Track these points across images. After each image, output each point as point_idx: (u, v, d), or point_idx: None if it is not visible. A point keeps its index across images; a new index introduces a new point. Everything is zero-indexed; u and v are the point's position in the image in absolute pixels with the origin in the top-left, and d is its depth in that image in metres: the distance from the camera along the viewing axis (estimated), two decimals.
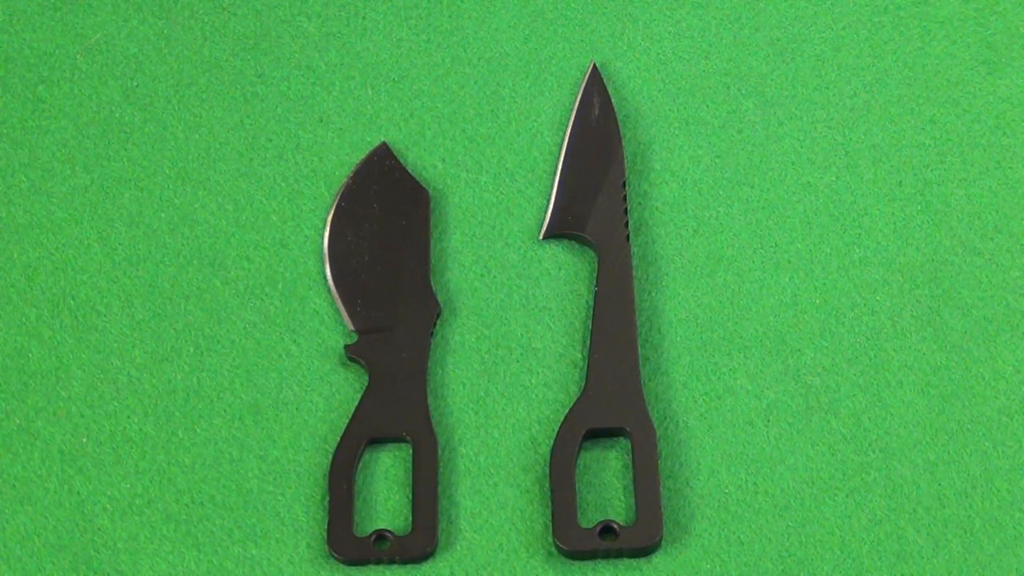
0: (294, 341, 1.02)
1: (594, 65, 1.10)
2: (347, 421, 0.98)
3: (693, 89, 1.09)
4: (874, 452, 0.97)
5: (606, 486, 0.97)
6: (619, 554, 0.94)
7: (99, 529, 0.96)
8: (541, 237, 1.05)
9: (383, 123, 1.09)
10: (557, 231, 1.04)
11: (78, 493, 0.97)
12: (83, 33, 1.12)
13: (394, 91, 1.10)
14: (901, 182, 1.06)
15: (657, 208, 1.05)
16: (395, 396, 0.99)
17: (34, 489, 0.97)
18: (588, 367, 0.99)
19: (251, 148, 1.08)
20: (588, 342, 1.01)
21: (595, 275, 1.03)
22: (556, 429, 0.98)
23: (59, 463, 0.98)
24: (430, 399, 0.99)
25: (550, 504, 0.96)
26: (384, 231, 1.05)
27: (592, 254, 1.04)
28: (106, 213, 1.06)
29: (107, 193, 1.07)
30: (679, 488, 0.97)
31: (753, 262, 1.03)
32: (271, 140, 1.08)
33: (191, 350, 1.01)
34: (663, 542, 0.95)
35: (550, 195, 1.06)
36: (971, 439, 0.97)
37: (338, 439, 0.98)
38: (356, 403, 0.99)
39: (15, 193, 1.07)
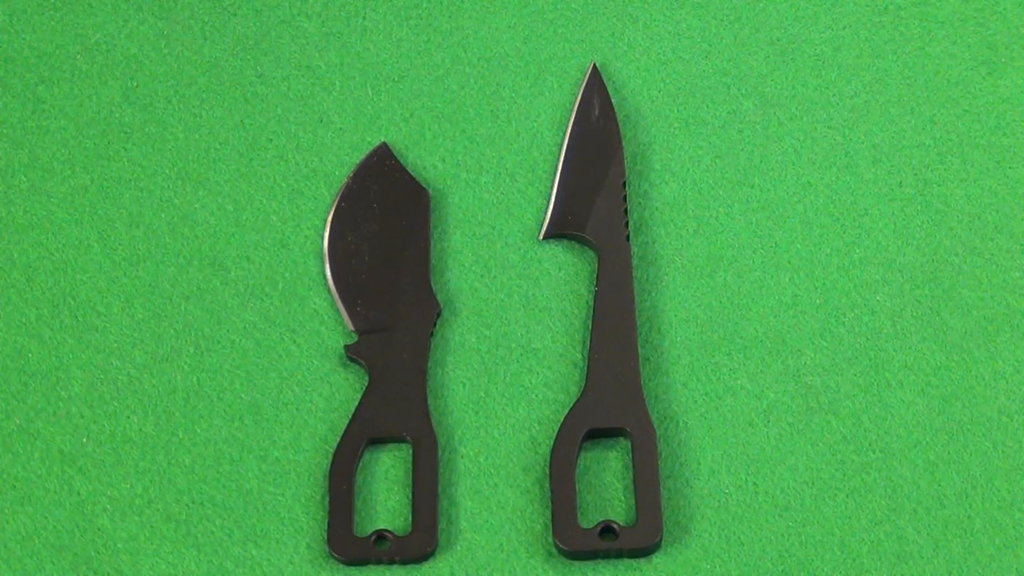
0: (294, 341, 1.02)
1: (594, 65, 1.10)
2: (347, 421, 0.98)
3: (693, 89, 1.09)
4: (874, 452, 0.97)
5: (606, 486, 0.97)
6: (619, 554, 0.94)
7: (99, 529, 0.96)
8: (541, 237, 1.05)
9: (383, 123, 1.09)
10: (557, 231, 1.04)
11: (78, 493, 0.97)
12: (83, 33, 1.12)
13: (394, 91, 1.10)
14: (901, 182, 1.06)
15: (657, 208, 1.05)
16: (395, 396, 0.99)
17: (34, 489, 0.97)
18: (588, 367, 0.99)
19: (251, 148, 1.08)
20: (588, 342, 1.01)
21: (595, 275, 1.03)
22: (556, 429, 0.98)
23: (59, 463, 0.98)
24: (430, 399, 0.99)
25: (550, 504, 0.96)
26: (384, 231, 1.05)
27: (592, 254, 1.04)
28: (106, 213, 1.06)
29: (107, 193, 1.07)
30: (679, 488, 0.97)
31: (753, 262, 1.03)
32: (271, 140, 1.08)
33: (191, 350, 1.01)
34: (663, 542, 0.95)
35: (550, 195, 1.06)
36: (971, 439, 0.97)
37: (338, 439, 0.98)
38: (356, 403, 0.99)
39: (15, 193, 1.07)
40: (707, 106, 1.09)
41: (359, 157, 1.07)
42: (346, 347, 1.00)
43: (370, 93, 1.10)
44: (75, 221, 1.06)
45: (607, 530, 0.95)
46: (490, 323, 1.02)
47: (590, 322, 1.01)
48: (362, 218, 1.05)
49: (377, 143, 1.08)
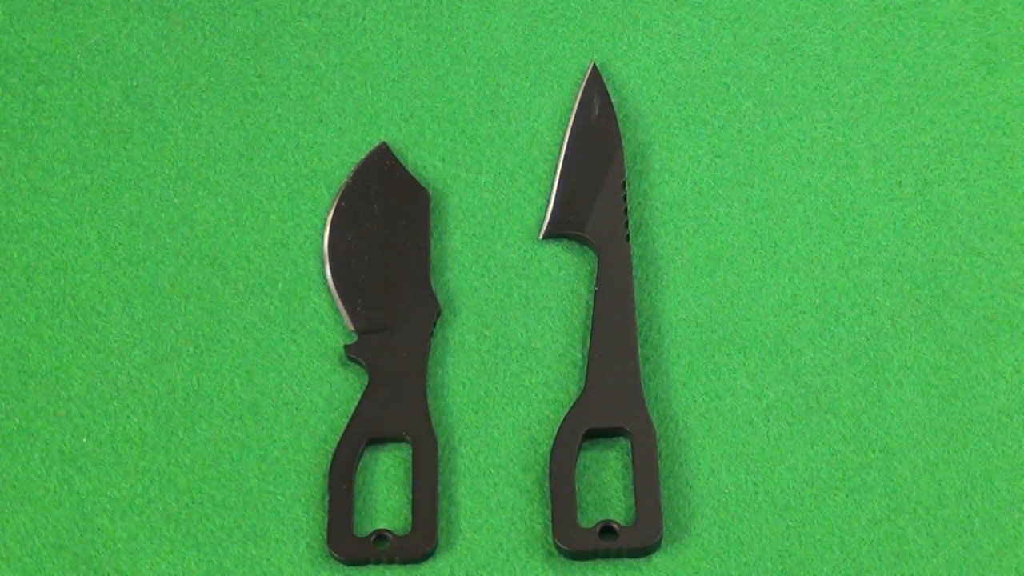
0: (294, 341, 1.02)
1: (594, 65, 1.10)
2: (347, 421, 0.98)
3: (693, 89, 1.09)
4: (874, 452, 0.97)
5: (606, 486, 0.97)
6: (619, 554, 0.94)
7: (99, 529, 0.96)
8: (541, 237, 1.05)
9: (383, 123, 1.09)
10: (557, 231, 1.04)
11: (78, 493, 0.97)
12: (83, 33, 1.12)
13: (394, 91, 1.10)
14: (901, 182, 1.06)
15: (657, 208, 1.05)
16: (395, 396, 0.99)
17: (34, 489, 0.97)
18: (588, 367, 0.99)
19: (251, 148, 1.08)
20: (588, 342, 1.01)
21: (595, 275, 1.03)
22: (556, 429, 0.98)
23: (59, 463, 0.98)
24: (430, 399, 0.99)
25: (550, 504, 0.96)
26: (384, 231, 1.05)
27: (592, 254, 1.04)
28: (106, 213, 1.06)
29: (107, 193, 1.07)
30: (679, 488, 0.97)
31: (753, 262, 1.03)
32: (271, 140, 1.08)
33: (191, 350, 1.01)
34: (663, 542, 0.95)
35: (550, 195, 1.06)
36: (971, 439, 0.97)
37: (338, 439, 0.98)
38: (356, 403, 0.99)
39: (15, 193, 1.07)
40: (707, 106, 1.09)
41: (359, 157, 1.07)
42: (346, 347, 1.00)
43: (370, 93, 1.10)
44: (75, 221, 1.06)
45: (607, 530, 0.95)
46: (490, 323, 1.02)
47: (590, 322, 1.01)
48: (362, 218, 1.05)
49: (377, 143, 1.08)
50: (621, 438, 0.98)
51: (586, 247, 1.04)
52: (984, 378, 0.99)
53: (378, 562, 0.95)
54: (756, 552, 0.95)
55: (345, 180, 1.06)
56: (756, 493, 0.96)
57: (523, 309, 1.02)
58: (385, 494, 0.97)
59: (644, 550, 0.94)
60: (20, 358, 1.01)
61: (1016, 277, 1.02)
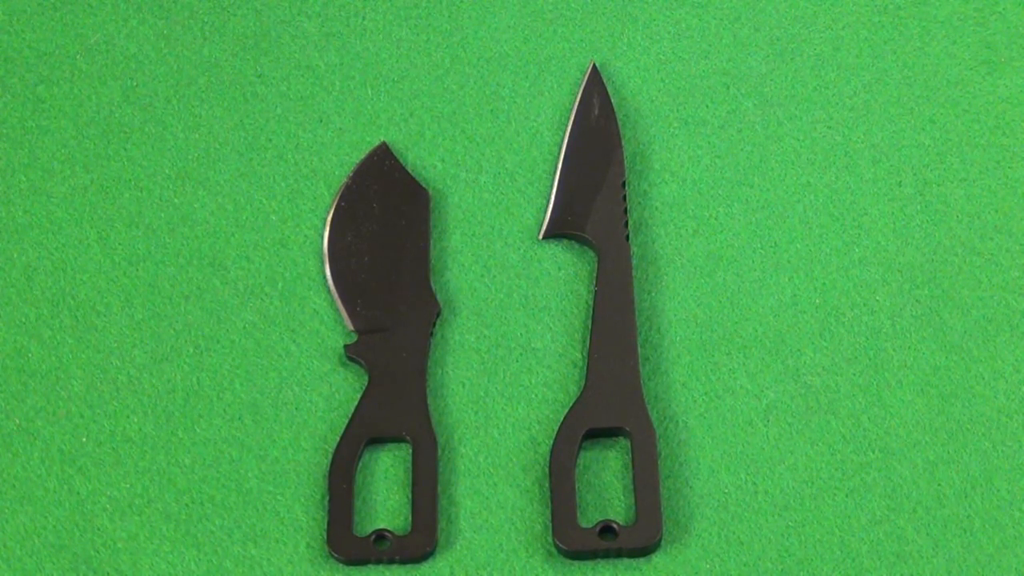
0: (294, 341, 1.02)
1: (594, 65, 1.10)
2: (347, 421, 0.98)
3: (693, 89, 1.09)
4: (874, 452, 0.97)
5: (606, 486, 0.97)
6: (619, 554, 0.94)
7: (99, 529, 0.96)
8: (541, 237, 1.05)
9: (383, 123, 1.09)
10: (557, 231, 1.04)
11: (78, 493, 0.97)
12: (83, 33, 1.12)
13: (394, 91, 1.10)
14: (901, 182, 1.06)
15: (657, 208, 1.05)
16: (395, 396, 0.99)
17: (34, 489, 0.97)
18: (588, 367, 0.99)
19: (251, 148, 1.08)
20: (588, 342, 1.01)
21: (595, 275, 1.03)
22: (556, 429, 0.98)
23: (59, 463, 0.98)
24: (430, 399, 0.99)
25: (550, 504, 0.96)
26: (384, 231, 1.05)
27: (592, 254, 1.04)
28: (106, 213, 1.06)
29: (107, 193, 1.07)
30: (679, 488, 0.97)
31: (753, 262, 1.03)
32: (271, 140, 1.08)
33: (191, 350, 1.01)
34: (663, 542, 0.95)
35: (550, 195, 1.06)
36: (971, 439, 0.97)
37: (338, 439, 0.98)
38: (356, 403, 0.99)
39: (15, 193, 1.07)
40: (707, 106, 1.09)
41: (359, 157, 1.07)
42: (346, 347, 1.00)
43: (370, 93, 1.10)
44: (75, 221, 1.06)
45: (607, 530, 0.95)
46: (490, 323, 1.02)
47: (590, 322, 1.01)
48: (362, 218, 1.05)
49: (377, 143, 1.08)
50: (621, 438, 0.98)
51: (586, 247, 1.04)
52: (984, 378, 0.99)
53: (378, 562, 0.95)
54: (756, 552, 0.95)
55: (345, 180, 1.06)
56: (756, 493, 0.96)
57: (523, 309, 1.02)
58: (385, 494, 0.97)
59: (644, 550, 0.94)
60: (20, 358, 1.01)
61: (1016, 277, 1.02)
